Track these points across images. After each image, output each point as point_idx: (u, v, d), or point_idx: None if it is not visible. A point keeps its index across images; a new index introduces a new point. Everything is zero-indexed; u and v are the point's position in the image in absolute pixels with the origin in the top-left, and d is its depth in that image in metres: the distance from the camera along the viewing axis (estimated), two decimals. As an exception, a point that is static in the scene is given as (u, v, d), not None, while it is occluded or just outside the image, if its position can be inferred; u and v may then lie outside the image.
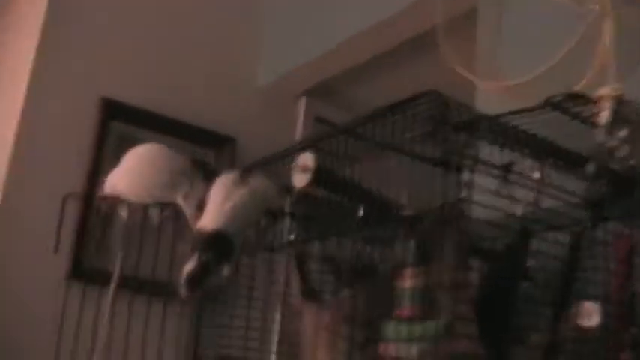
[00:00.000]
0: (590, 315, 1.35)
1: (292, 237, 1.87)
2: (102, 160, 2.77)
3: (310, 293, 1.81)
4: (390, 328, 1.47)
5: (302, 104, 3.30)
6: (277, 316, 1.93)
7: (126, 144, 2.58)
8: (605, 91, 1.36)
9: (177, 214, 1.79)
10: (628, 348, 1.36)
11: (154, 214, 1.82)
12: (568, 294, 1.47)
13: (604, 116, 1.34)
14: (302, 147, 1.74)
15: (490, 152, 1.44)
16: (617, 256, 1.43)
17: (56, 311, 1.93)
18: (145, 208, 1.83)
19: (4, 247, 2.59)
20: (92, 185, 2.64)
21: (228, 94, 3.16)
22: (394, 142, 1.51)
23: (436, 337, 1.35)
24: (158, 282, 1.89)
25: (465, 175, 1.40)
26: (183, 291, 1.59)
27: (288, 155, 1.77)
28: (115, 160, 1.96)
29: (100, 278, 1.94)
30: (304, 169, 1.67)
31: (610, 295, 1.39)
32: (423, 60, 2.83)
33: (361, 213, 1.70)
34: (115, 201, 1.85)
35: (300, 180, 1.68)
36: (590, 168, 1.39)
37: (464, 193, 1.38)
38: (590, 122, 1.38)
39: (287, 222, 1.88)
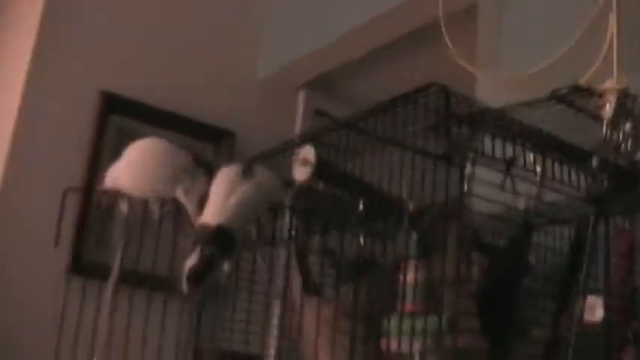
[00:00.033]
0: (593, 309, 1.35)
1: (293, 231, 1.86)
2: (101, 153, 2.77)
3: (311, 288, 1.81)
4: (393, 323, 1.47)
5: (301, 97, 3.28)
6: (278, 311, 1.92)
7: (125, 137, 2.57)
8: (609, 84, 1.36)
9: (177, 208, 1.78)
10: (631, 342, 1.35)
11: (155, 208, 1.81)
12: (570, 288, 1.47)
13: (608, 110, 1.34)
14: (302, 140, 1.74)
15: (492, 145, 1.44)
16: (619, 251, 1.43)
17: (56, 305, 1.92)
18: (146, 202, 1.82)
19: (3, 242, 2.58)
20: (92, 179, 2.63)
21: (227, 88, 3.14)
22: (396, 135, 1.50)
23: (439, 332, 1.35)
24: (158, 276, 1.88)
25: (468, 169, 1.39)
26: (185, 287, 1.58)
27: (288, 149, 1.76)
28: (115, 154, 1.95)
29: (101, 272, 1.92)
30: (305, 163, 1.67)
31: (612, 289, 1.39)
32: (422, 53, 2.83)
33: (361, 207, 1.69)
34: (116, 195, 1.84)
35: (301, 173, 1.68)
36: (594, 162, 1.39)
37: (466, 187, 1.38)
38: (594, 116, 1.38)
39: (288, 216, 1.87)
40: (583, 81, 1.47)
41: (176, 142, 1.90)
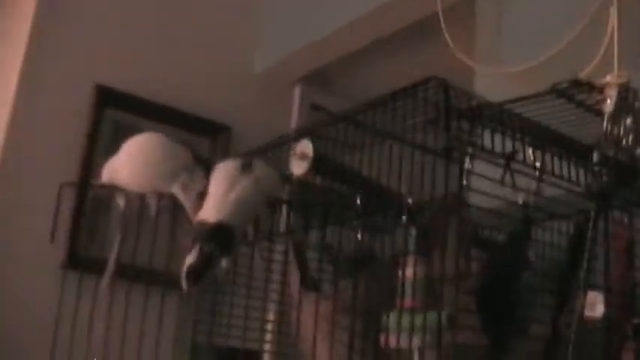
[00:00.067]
0: (593, 305, 1.34)
1: (291, 226, 1.85)
2: (97, 147, 2.75)
3: (309, 283, 1.80)
4: (392, 319, 1.46)
5: (297, 92, 3.27)
6: (276, 306, 1.91)
7: (121, 131, 2.57)
8: (610, 78, 1.35)
9: (175, 203, 1.77)
10: (631, 338, 1.35)
11: (152, 202, 1.80)
12: (569, 284, 1.46)
13: (609, 104, 1.33)
14: (299, 134, 1.72)
15: (492, 140, 1.43)
16: (618, 247, 1.43)
17: (52, 300, 1.91)
18: (143, 196, 1.81)
19: (-1, 237, 2.57)
20: (87, 173, 2.62)
21: (223, 82, 3.13)
22: (395, 129, 1.49)
23: (438, 328, 1.34)
24: (155, 271, 1.87)
25: (467, 163, 1.39)
26: (184, 284, 1.57)
27: (285, 143, 1.75)
28: (110, 148, 1.94)
29: (97, 267, 1.91)
30: (303, 157, 1.65)
31: (611, 285, 1.38)
32: (419, 47, 2.83)
33: (358, 201, 1.68)
34: (113, 189, 1.83)
35: (298, 167, 1.67)
36: (595, 157, 1.38)
37: (466, 182, 1.37)
38: (594, 110, 1.37)
39: (285, 210, 1.86)
40: (583, 75, 1.46)
41: (172, 137, 1.89)
